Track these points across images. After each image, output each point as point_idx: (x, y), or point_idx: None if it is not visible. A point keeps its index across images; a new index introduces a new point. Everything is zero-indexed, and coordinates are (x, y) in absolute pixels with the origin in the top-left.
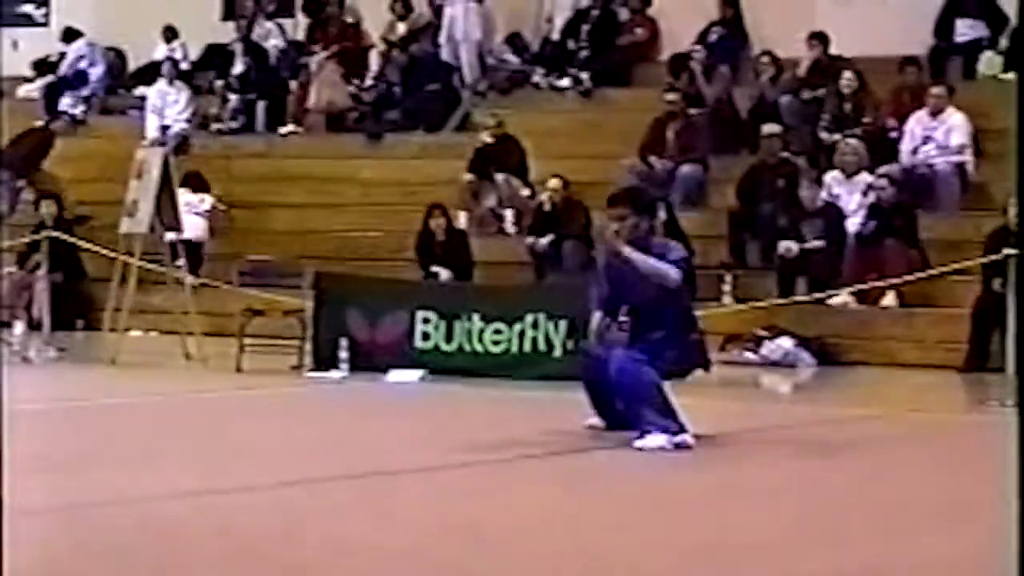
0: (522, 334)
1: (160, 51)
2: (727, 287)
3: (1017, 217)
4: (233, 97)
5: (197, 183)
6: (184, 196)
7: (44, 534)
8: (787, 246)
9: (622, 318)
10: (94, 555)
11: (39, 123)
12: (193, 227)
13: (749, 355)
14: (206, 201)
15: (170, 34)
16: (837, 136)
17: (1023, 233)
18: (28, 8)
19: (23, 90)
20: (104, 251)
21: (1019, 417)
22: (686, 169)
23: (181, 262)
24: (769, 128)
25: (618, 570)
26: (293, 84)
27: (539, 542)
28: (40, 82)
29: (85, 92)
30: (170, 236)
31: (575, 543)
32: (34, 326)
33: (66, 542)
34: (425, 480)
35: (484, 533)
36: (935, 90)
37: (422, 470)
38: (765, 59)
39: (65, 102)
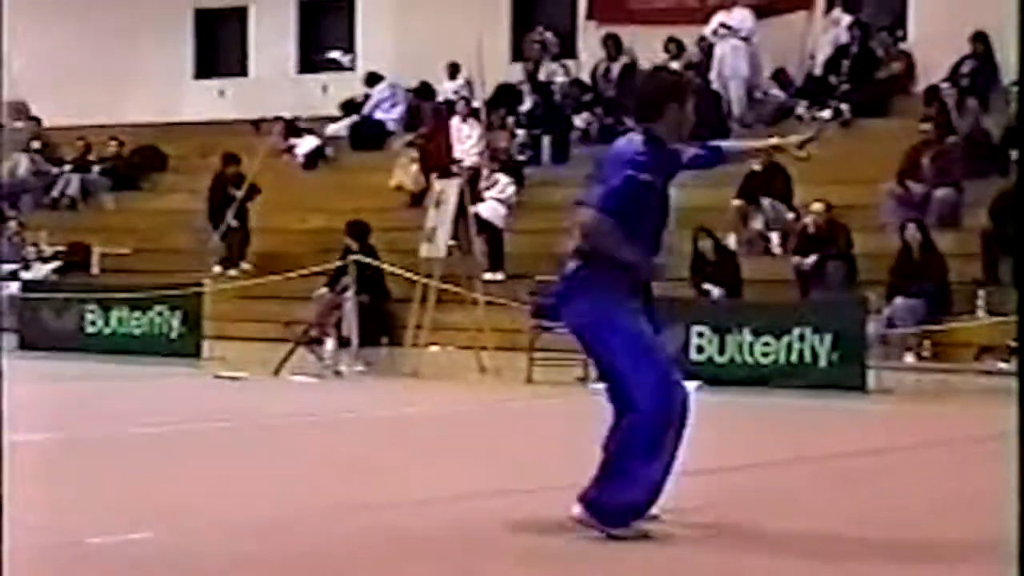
0: (789, 346)
1: (447, 88)
2: (981, 302)
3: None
4: (520, 132)
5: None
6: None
7: (361, 531)
8: None
9: None
10: (404, 551)
11: None
12: (490, 208)
13: (1002, 365)
14: (505, 188)
15: (453, 70)
16: None
17: (1021, 230)
18: (336, 55)
19: (331, 129)
20: (406, 274)
21: (1019, 413)
22: (941, 193)
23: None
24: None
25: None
26: (577, 120)
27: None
28: (346, 121)
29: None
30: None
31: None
32: (343, 343)
33: (379, 538)
34: (707, 484)
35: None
36: None
37: (702, 473)
38: (1015, 88)
39: (368, 138)
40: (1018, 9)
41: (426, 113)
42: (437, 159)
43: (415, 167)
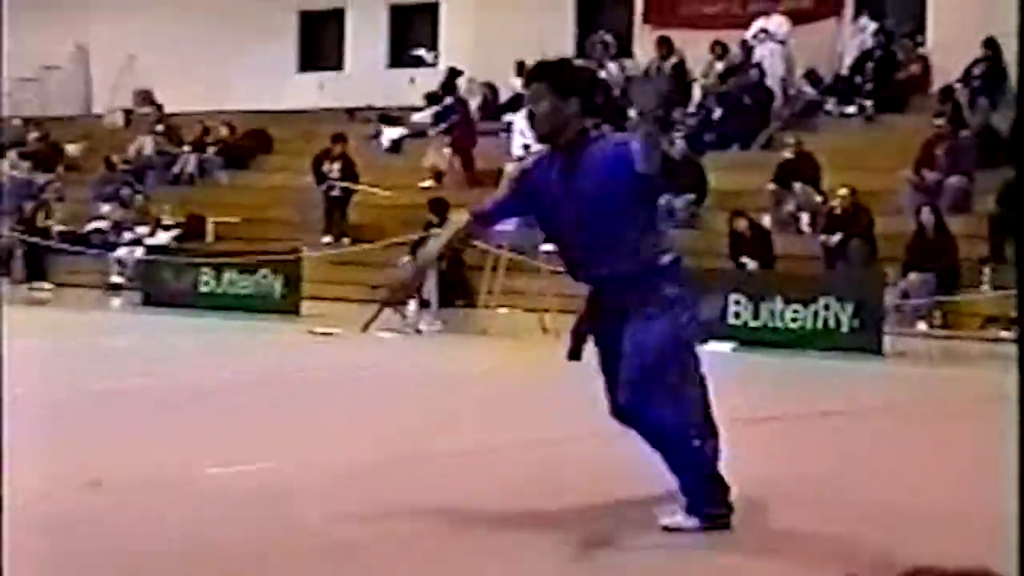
0: (816, 314)
1: (517, 84)
2: (986, 277)
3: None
4: None
5: None
6: None
7: (436, 478)
8: None
9: None
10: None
11: None
12: None
13: (1004, 334)
14: None
15: (520, 68)
16: None
17: (1021, 232)
18: (421, 51)
19: (416, 117)
20: (479, 244)
21: (1020, 408)
22: (953, 180)
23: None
24: None
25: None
26: (631, 112)
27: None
28: (430, 111)
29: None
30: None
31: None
32: (424, 304)
33: (463, 481)
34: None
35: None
36: None
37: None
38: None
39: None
40: (1017, 10)
41: (457, 104)
42: (462, 143)
43: (447, 151)
